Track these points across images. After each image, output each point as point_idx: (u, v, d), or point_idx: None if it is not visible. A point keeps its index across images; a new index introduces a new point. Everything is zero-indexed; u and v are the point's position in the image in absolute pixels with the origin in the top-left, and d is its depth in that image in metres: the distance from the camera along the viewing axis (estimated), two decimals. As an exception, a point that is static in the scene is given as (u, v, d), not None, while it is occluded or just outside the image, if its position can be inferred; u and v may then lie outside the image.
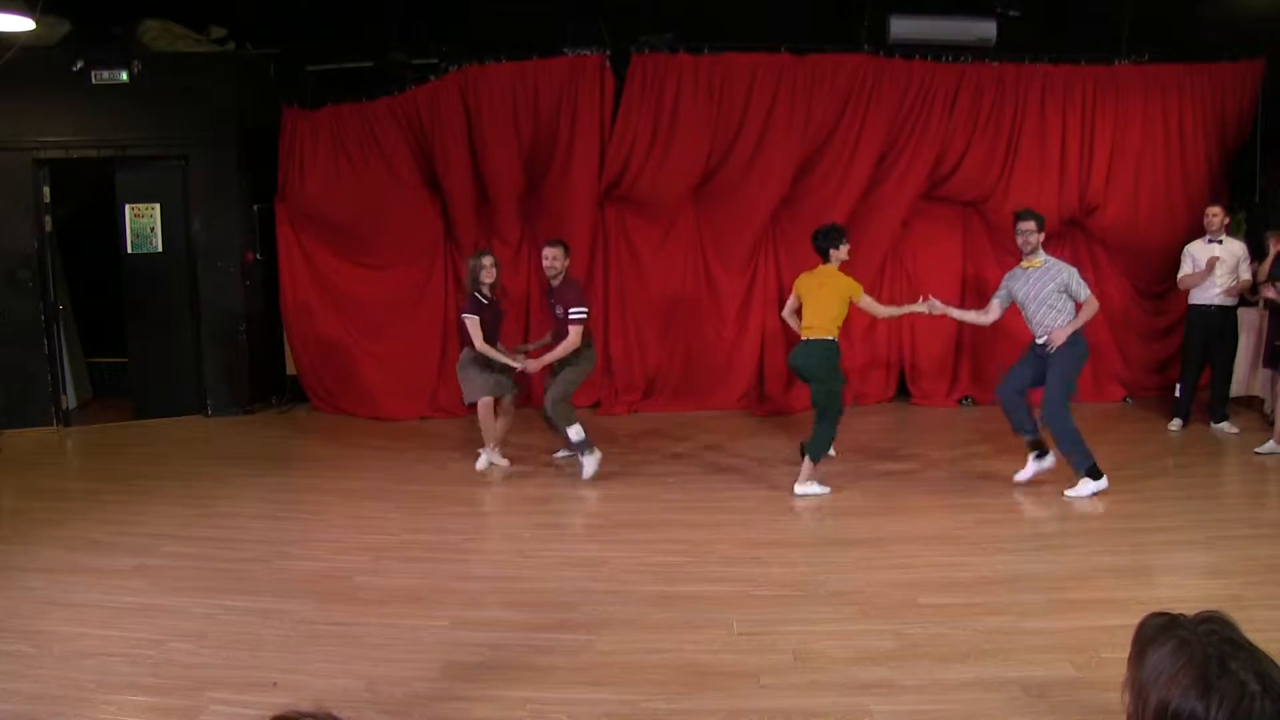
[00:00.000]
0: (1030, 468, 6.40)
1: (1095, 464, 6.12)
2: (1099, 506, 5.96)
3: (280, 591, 4.81)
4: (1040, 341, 6.25)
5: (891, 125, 8.68)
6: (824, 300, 6.28)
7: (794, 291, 6.57)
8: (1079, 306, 6.19)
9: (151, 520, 6.04)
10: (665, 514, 6.07)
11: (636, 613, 4.46)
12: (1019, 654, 3.90)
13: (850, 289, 6.31)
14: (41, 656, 4.05)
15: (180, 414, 9.10)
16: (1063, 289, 6.16)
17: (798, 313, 6.52)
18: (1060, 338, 6.09)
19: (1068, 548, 5.23)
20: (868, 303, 6.43)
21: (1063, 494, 6.13)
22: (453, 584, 4.94)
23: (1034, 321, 6.28)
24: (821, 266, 6.43)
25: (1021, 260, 6.34)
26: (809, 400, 6.53)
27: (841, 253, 6.40)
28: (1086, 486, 6.10)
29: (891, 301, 8.38)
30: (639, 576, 4.95)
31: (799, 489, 6.29)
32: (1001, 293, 6.46)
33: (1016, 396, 6.33)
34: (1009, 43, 8.70)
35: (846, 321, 6.50)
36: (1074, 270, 6.24)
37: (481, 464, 7.07)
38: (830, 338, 6.29)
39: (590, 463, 6.79)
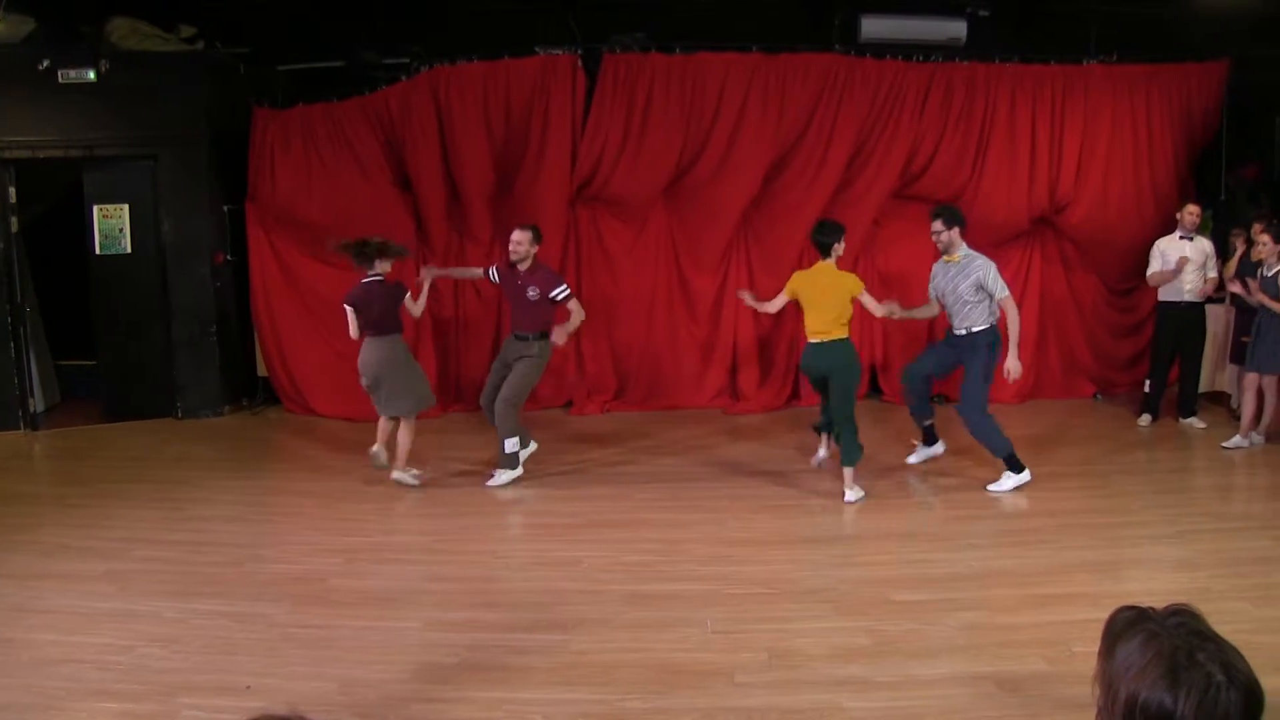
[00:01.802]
0: (921, 452, 6.74)
1: (1016, 457, 6.26)
2: (1069, 503, 6.02)
3: (253, 594, 4.77)
4: (960, 334, 6.34)
5: (863, 124, 8.71)
6: (836, 298, 6.11)
7: (789, 290, 6.38)
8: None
9: (122, 524, 5.97)
10: (639, 513, 6.07)
11: (611, 612, 4.46)
12: (992, 649, 3.94)
13: (854, 285, 6.20)
14: (9, 664, 4.00)
15: (150, 417, 8.99)
16: (979, 285, 6.18)
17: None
18: (1018, 370, 6.22)
19: (1039, 543, 5.27)
20: (867, 300, 6.24)
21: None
22: (427, 585, 4.92)
23: (953, 316, 6.36)
24: (820, 264, 6.25)
25: (943, 255, 6.42)
26: (824, 407, 6.42)
27: (841, 248, 6.27)
28: (1009, 480, 6.25)
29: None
30: (613, 576, 4.96)
31: (849, 495, 6.13)
32: (931, 288, 6.57)
33: (923, 384, 6.53)
34: (979, 42, 8.77)
35: None
36: (991, 265, 6.23)
37: (407, 476, 6.74)
38: (846, 336, 6.19)
39: (507, 476, 6.66)
